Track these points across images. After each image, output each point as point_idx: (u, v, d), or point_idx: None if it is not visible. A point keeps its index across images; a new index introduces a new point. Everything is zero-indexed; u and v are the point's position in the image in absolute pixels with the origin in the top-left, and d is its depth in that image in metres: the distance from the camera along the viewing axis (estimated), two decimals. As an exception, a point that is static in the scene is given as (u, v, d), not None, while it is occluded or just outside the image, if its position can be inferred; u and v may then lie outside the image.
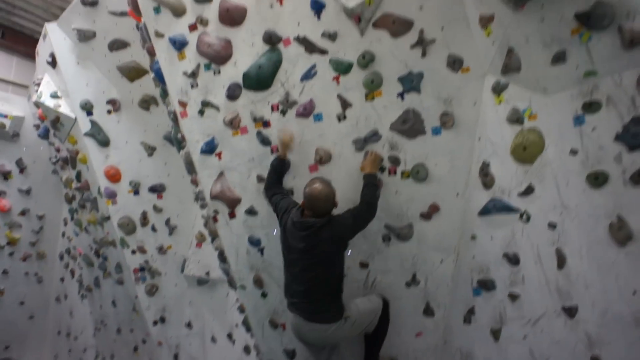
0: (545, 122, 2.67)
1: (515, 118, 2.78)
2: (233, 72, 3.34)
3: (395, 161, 3.15)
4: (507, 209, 2.89)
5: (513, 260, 2.89)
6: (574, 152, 2.56)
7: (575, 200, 2.59)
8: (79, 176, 5.15)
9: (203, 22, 3.32)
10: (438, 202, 3.13)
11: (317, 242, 2.88)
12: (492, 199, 2.96)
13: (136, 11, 3.58)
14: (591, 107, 2.47)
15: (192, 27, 3.36)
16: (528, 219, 2.81)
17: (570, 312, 2.63)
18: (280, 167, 3.28)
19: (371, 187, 3.04)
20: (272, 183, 3.28)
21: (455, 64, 2.96)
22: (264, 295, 3.56)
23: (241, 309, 3.82)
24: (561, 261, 2.65)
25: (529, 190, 2.78)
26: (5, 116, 6.43)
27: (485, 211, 2.99)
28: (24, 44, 7.42)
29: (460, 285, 3.17)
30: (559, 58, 2.50)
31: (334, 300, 3.01)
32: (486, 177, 2.97)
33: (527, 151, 2.75)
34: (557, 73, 2.54)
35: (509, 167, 2.86)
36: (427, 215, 3.16)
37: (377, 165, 3.15)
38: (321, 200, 2.92)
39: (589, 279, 2.54)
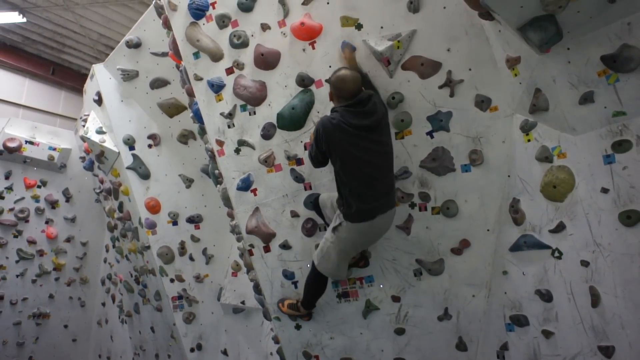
0: (575, 160, 2.67)
1: (545, 156, 2.79)
2: (267, 112, 3.48)
3: (425, 197, 3.20)
4: (539, 245, 2.88)
5: (546, 296, 2.86)
6: (605, 190, 2.53)
7: (607, 239, 2.55)
8: (121, 207, 5.39)
9: (239, 66, 3.49)
10: (469, 237, 3.16)
11: (381, 116, 2.90)
12: (523, 235, 2.96)
13: (177, 55, 3.80)
14: (621, 146, 2.45)
15: (229, 71, 3.53)
16: (560, 255, 2.79)
17: (607, 351, 2.56)
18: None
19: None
20: None
21: (483, 103, 3.01)
22: (297, 327, 3.61)
23: (275, 340, 3.89)
24: (595, 299, 2.60)
25: (560, 228, 2.76)
26: (54, 149, 6.83)
27: (516, 247, 2.99)
28: (71, 79, 7.89)
29: (492, 320, 3.16)
30: (587, 99, 2.50)
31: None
32: (517, 214, 2.98)
33: (557, 189, 2.74)
34: (585, 113, 2.55)
35: (539, 204, 2.86)
36: (458, 251, 3.19)
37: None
38: (357, 82, 2.92)
39: (625, 318, 2.49)
